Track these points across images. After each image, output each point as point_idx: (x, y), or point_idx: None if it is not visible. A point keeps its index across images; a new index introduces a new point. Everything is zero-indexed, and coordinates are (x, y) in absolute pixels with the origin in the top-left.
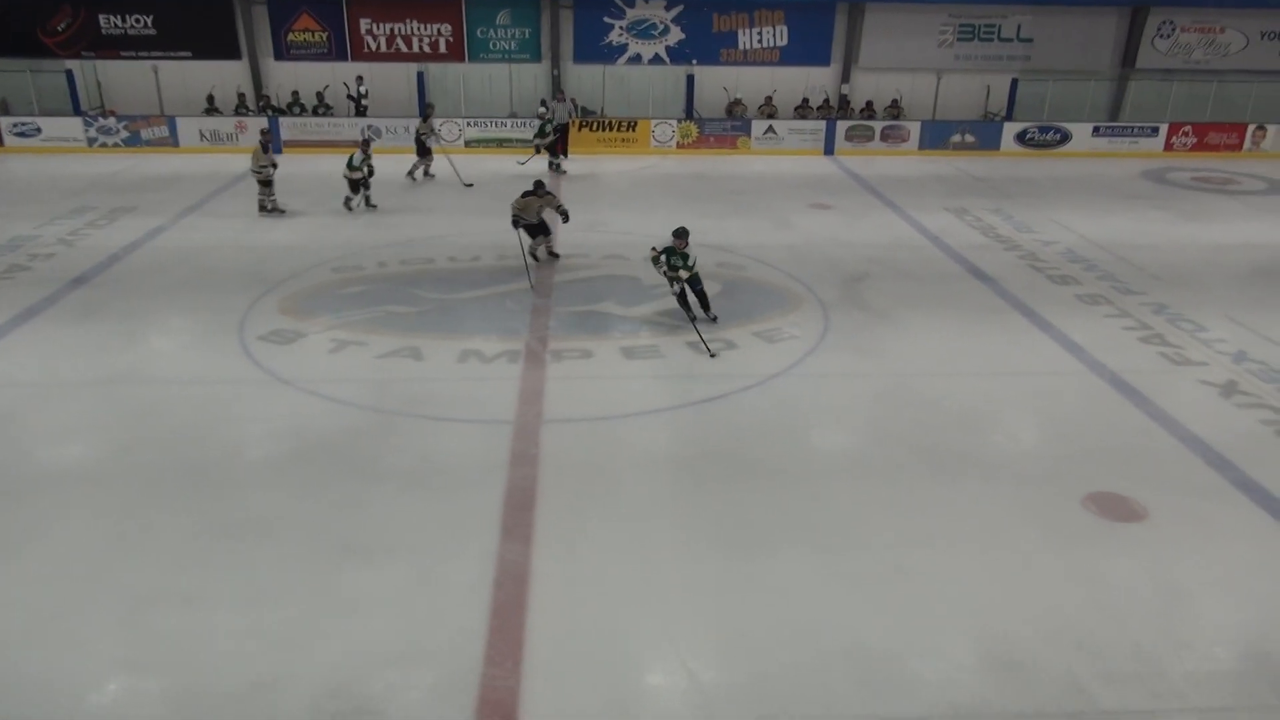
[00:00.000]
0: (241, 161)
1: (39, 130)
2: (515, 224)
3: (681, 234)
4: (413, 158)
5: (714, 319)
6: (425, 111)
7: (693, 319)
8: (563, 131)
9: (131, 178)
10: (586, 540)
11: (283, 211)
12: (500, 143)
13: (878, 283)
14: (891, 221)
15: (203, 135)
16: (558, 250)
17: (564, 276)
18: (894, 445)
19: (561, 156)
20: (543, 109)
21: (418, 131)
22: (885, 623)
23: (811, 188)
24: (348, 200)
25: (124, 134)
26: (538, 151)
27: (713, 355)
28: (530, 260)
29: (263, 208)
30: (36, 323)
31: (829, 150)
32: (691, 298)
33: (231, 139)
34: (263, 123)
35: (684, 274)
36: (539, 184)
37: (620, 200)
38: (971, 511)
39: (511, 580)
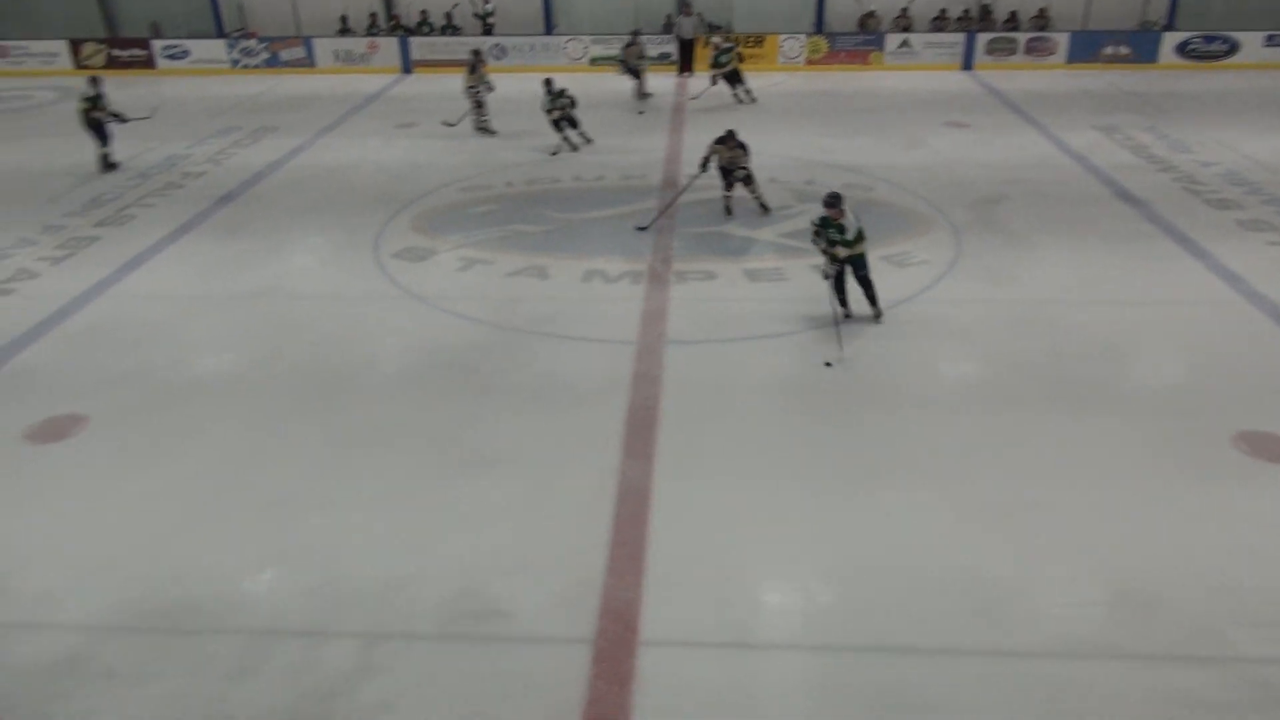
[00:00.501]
0: (373, 81)
1: (187, 53)
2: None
3: (833, 201)
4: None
5: (879, 318)
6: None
7: (842, 314)
8: (688, 49)
9: (272, 98)
10: (706, 461)
11: (494, 133)
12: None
13: (1015, 205)
14: (1032, 141)
15: (337, 56)
16: (767, 202)
17: (687, 198)
18: (1025, 375)
19: (739, 85)
20: (673, 24)
21: (466, 84)
22: (1007, 555)
23: (947, 105)
24: (476, 119)
25: (264, 55)
26: (714, 83)
27: (829, 365)
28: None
29: (479, 128)
30: (189, 238)
31: (967, 65)
32: (852, 285)
33: (364, 60)
34: (393, 43)
35: (841, 251)
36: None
37: (744, 119)
38: (1106, 446)
39: (633, 496)
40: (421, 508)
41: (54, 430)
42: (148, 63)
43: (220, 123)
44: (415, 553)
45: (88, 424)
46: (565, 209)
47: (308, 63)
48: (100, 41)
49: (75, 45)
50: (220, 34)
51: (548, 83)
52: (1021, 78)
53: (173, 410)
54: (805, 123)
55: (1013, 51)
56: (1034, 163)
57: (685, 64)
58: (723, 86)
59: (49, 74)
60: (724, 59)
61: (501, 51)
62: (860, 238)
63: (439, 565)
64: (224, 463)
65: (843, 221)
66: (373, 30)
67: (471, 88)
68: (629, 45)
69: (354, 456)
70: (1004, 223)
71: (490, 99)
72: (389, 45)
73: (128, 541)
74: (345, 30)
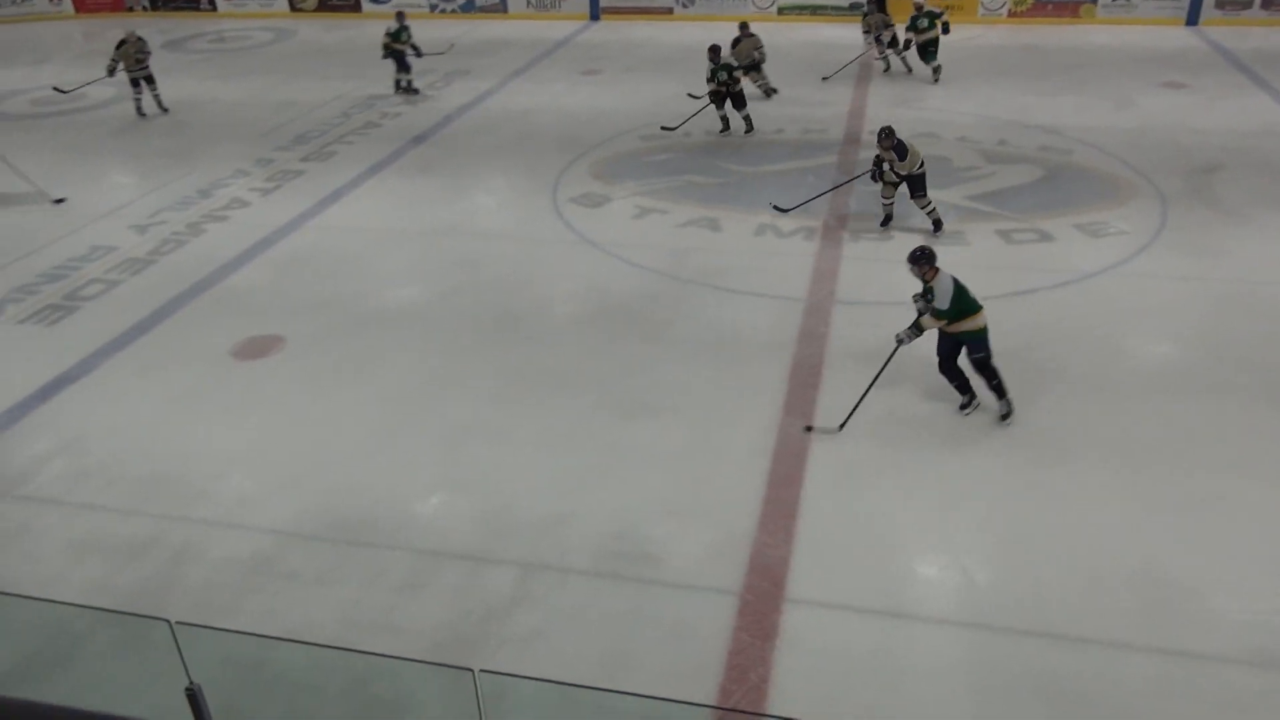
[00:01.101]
0: (562, 28)
1: None
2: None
3: (918, 257)
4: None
5: (1006, 418)
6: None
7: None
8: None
9: (467, 42)
10: (866, 424)
11: (775, 91)
12: (814, 10)
13: (1233, 175)
14: (1261, 106)
15: (528, 2)
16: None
17: (869, 154)
18: (1227, 360)
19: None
20: None
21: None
22: (1187, 552)
23: (1164, 63)
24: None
25: (461, 1)
26: (907, 46)
27: (808, 429)
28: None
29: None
30: (383, 175)
31: (1192, 20)
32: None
33: (554, 5)
34: None
35: (928, 321)
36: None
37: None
38: None
39: (790, 454)
40: (584, 449)
41: (256, 349)
42: (355, 7)
43: (418, 66)
44: (575, 492)
45: (285, 345)
46: (741, 161)
47: (501, 8)
48: None
49: None
50: None
51: (714, 51)
52: (1255, 35)
53: (360, 337)
54: (1003, 80)
55: (1247, 5)
56: (1260, 130)
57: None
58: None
59: (267, 15)
60: (923, 23)
61: (690, 0)
62: (954, 313)
63: (597, 506)
64: (404, 390)
65: (933, 285)
66: None
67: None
68: (869, 14)
69: (524, 394)
70: (1218, 194)
71: (676, 48)
72: None
73: (314, 457)
74: None
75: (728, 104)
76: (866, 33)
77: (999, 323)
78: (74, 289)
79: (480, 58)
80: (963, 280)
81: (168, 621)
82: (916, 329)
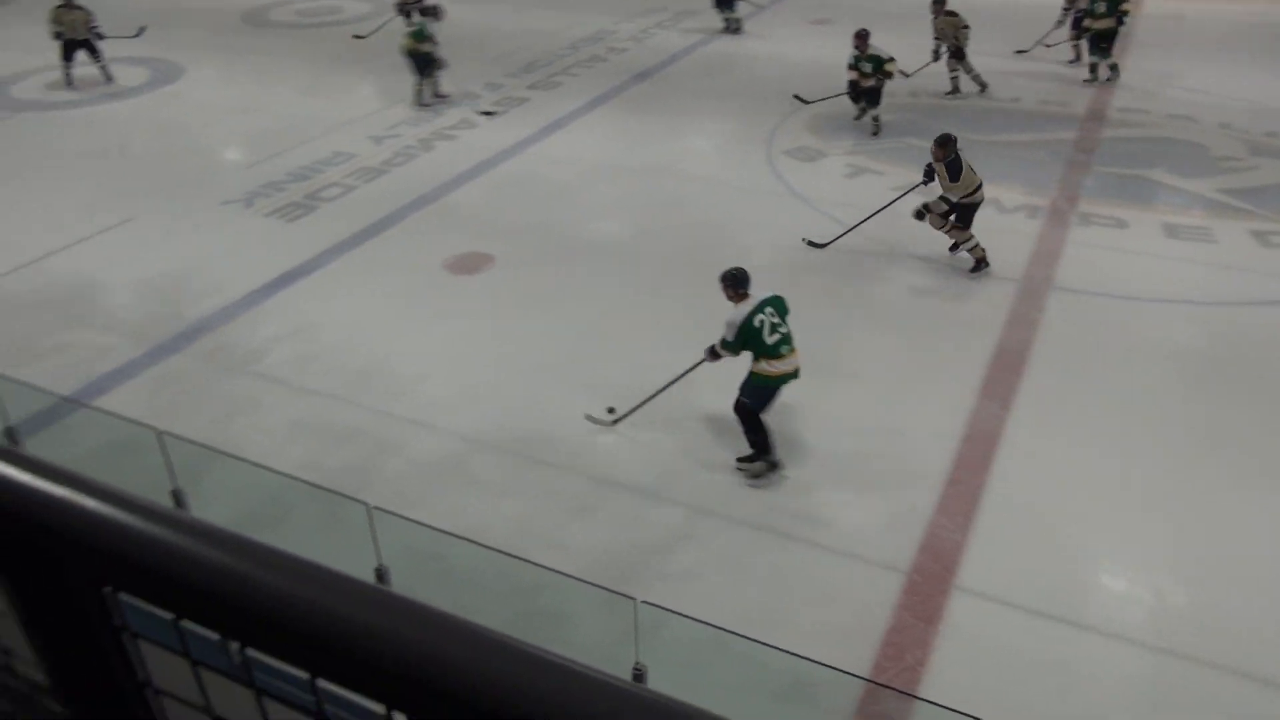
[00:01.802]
0: None
1: None
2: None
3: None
4: None
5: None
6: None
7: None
8: None
9: None
10: (1071, 420)
11: (986, 86)
12: None
13: None
14: None
15: None
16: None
17: (1114, 133)
18: None
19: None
20: None
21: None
22: None
23: None
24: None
25: None
26: (1078, 35)
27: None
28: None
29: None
30: (603, 110)
31: None
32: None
33: None
34: None
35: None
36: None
37: (1203, 51)
38: None
39: (981, 438)
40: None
41: (467, 264)
42: None
43: (649, 3)
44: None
45: (494, 263)
46: (969, 128)
47: None
48: None
49: None
50: None
51: (860, 38)
52: None
53: (563, 265)
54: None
55: None
56: None
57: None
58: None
59: None
60: (1100, 7)
61: None
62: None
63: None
64: (598, 321)
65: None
66: None
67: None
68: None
69: (714, 337)
70: None
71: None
72: None
73: (507, 372)
74: None
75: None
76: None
77: (1237, 329)
78: (314, 190)
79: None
80: (1204, 276)
81: (365, 504)
82: (711, 353)
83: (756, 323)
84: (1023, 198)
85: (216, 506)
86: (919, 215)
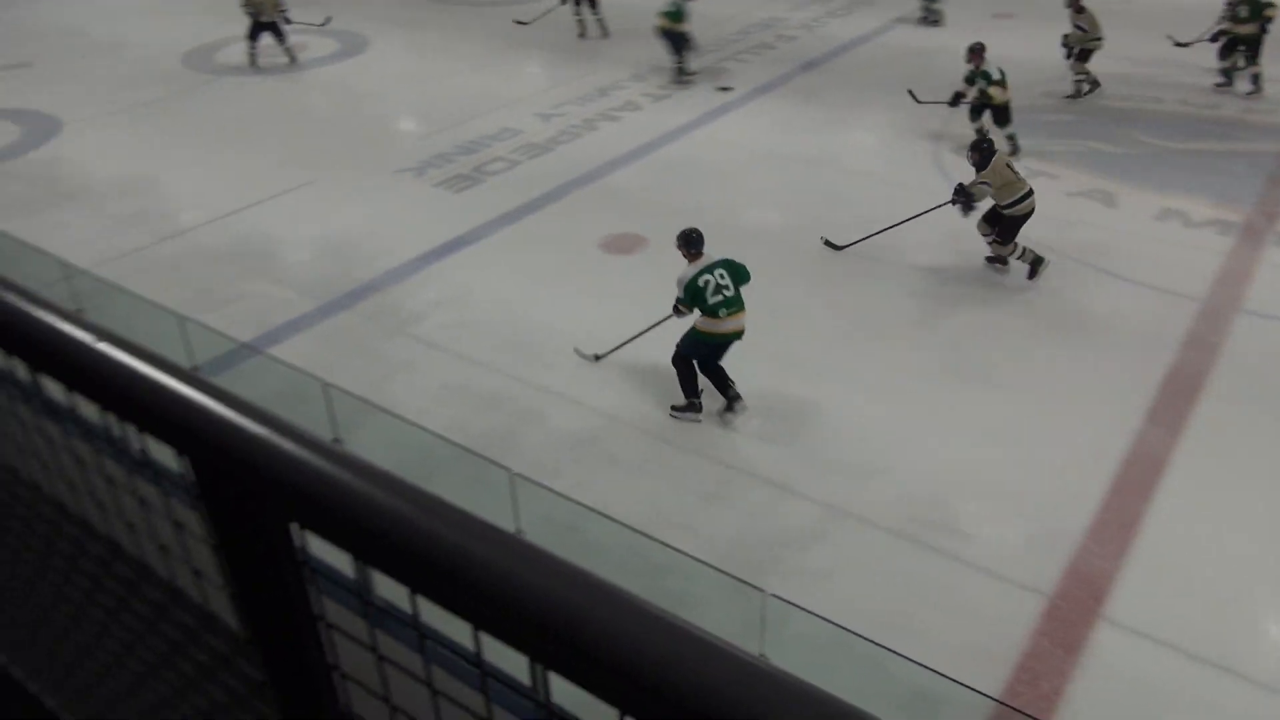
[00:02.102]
0: None
1: None
2: None
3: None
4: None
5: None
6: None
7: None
8: None
9: None
10: (1242, 454)
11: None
12: None
13: None
14: None
15: None
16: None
17: None
18: None
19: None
20: None
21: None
22: None
23: None
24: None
25: None
26: (1216, 39)
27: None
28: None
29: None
30: (768, 97)
31: None
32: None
33: None
34: None
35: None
36: None
37: None
38: None
39: (1144, 463)
40: (911, 403)
41: (622, 244)
42: None
43: None
44: (894, 446)
45: (647, 245)
46: (1158, 133)
47: None
48: None
49: None
50: None
51: (974, 53)
52: None
53: (720, 250)
54: None
55: None
56: None
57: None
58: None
59: None
60: (1243, 12)
61: None
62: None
63: (913, 465)
64: (749, 308)
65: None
66: None
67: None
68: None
69: (863, 336)
70: None
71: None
72: None
73: (652, 353)
74: None
75: (986, 115)
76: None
77: None
78: (481, 163)
79: None
80: None
81: (508, 470)
82: (675, 309)
83: (701, 282)
84: (1213, 212)
85: (369, 458)
86: (956, 202)
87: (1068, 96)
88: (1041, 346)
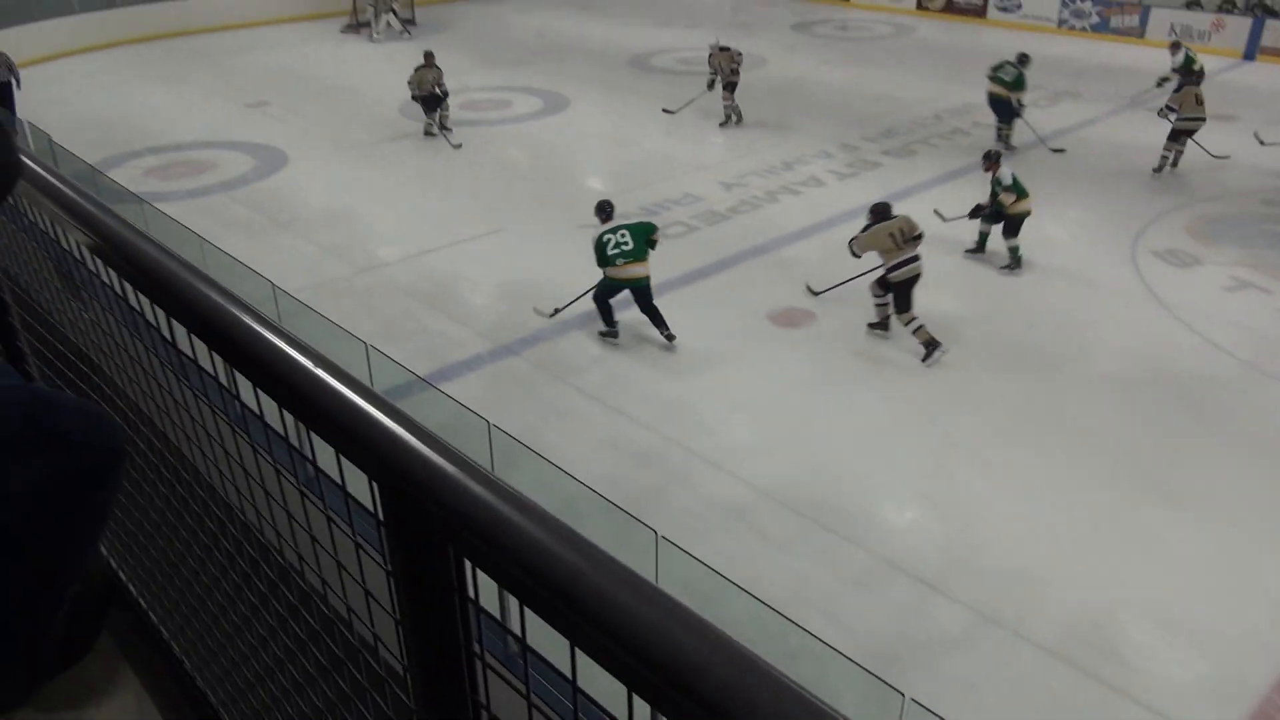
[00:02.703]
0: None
1: (1019, 6)
2: None
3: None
4: None
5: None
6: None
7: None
8: None
9: (1087, 63)
10: None
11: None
12: None
13: None
14: None
15: (1173, 29)
16: None
17: None
18: None
19: None
20: None
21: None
22: None
23: None
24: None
25: (1094, 19)
26: None
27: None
28: None
29: None
30: (957, 183)
31: None
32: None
33: (1204, 37)
34: (1245, 23)
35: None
36: None
37: None
38: None
39: None
40: (1081, 514)
41: (790, 318)
42: (980, 12)
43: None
44: (1058, 557)
45: (815, 321)
46: None
47: (1138, 32)
48: None
49: None
50: None
51: (989, 160)
52: None
53: (889, 337)
54: None
55: None
56: None
57: None
58: None
59: (893, 10)
60: None
61: None
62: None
63: (1078, 580)
64: (916, 397)
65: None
66: (1225, 7)
67: None
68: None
69: (1035, 436)
70: None
71: None
72: (1238, 25)
73: (811, 431)
74: (1194, 3)
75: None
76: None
77: None
78: (662, 225)
79: (1098, 81)
80: None
81: (654, 531)
82: None
83: (604, 240)
84: None
85: None
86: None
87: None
88: (1236, 467)
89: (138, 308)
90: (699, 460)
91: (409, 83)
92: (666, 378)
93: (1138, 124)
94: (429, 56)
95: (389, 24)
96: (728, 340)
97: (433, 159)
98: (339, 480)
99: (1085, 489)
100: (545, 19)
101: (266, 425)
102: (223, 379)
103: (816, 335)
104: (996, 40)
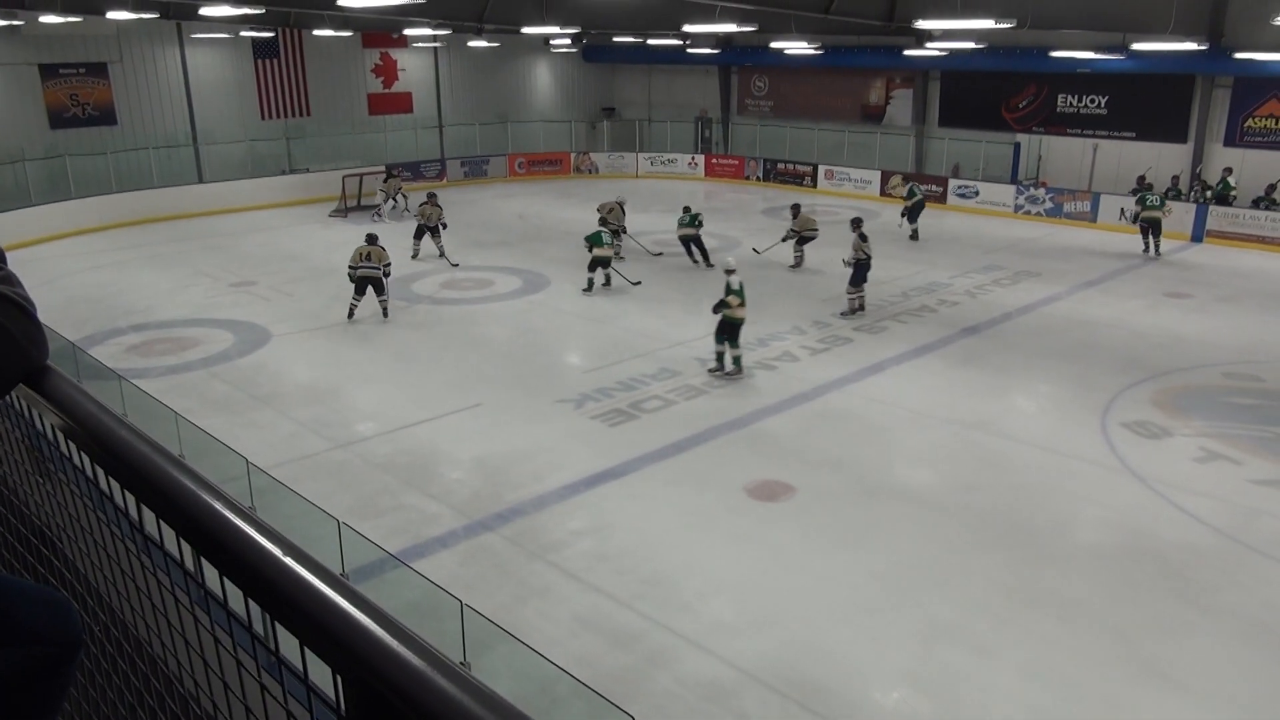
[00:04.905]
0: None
1: (977, 193)
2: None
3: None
4: None
5: None
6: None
7: None
8: None
9: (1044, 245)
10: None
11: None
12: None
13: None
14: None
15: (1122, 213)
16: None
17: None
18: None
19: None
20: None
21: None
22: None
23: None
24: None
25: (1048, 204)
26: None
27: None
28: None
29: None
30: (926, 359)
31: None
32: None
33: None
34: (1190, 209)
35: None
36: None
37: None
38: None
39: None
40: (1078, 696)
41: (768, 491)
42: (941, 199)
43: (987, 260)
44: None
45: (795, 494)
46: None
47: (1089, 217)
48: (908, 177)
49: (885, 177)
50: (1013, 180)
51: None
52: None
53: (866, 507)
54: None
55: None
56: None
57: None
58: None
59: (858, 197)
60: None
61: None
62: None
63: None
64: (895, 571)
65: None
66: (1171, 193)
67: None
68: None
69: (1019, 614)
70: None
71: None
72: (1183, 210)
73: (792, 609)
74: (1137, 191)
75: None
76: None
77: None
78: (638, 400)
79: (1054, 262)
80: None
81: (630, 716)
82: None
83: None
84: None
85: (493, 684)
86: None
87: None
88: (1228, 649)
89: (107, 491)
90: (680, 639)
91: (415, 215)
92: (644, 554)
93: (1097, 302)
94: (432, 196)
95: (394, 205)
96: (706, 515)
97: (416, 335)
98: (300, 671)
99: (1077, 664)
100: (526, 202)
101: (230, 613)
102: (188, 563)
103: (795, 509)
104: (956, 224)
